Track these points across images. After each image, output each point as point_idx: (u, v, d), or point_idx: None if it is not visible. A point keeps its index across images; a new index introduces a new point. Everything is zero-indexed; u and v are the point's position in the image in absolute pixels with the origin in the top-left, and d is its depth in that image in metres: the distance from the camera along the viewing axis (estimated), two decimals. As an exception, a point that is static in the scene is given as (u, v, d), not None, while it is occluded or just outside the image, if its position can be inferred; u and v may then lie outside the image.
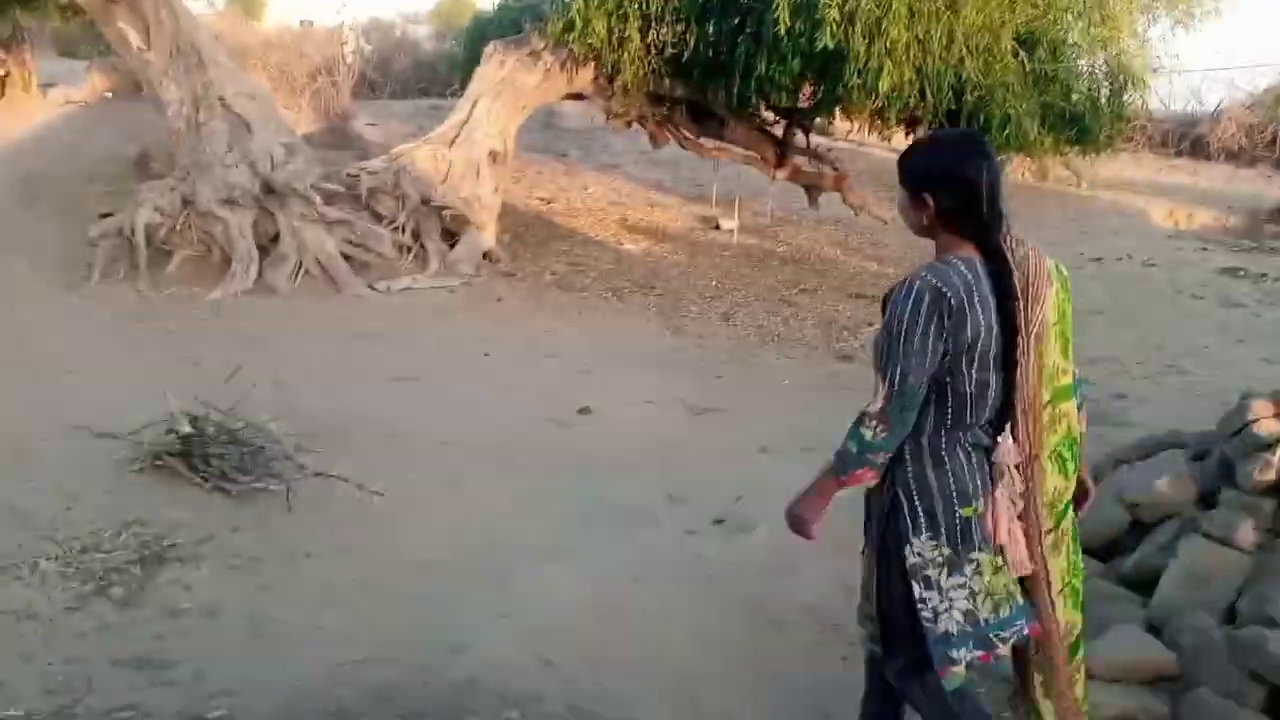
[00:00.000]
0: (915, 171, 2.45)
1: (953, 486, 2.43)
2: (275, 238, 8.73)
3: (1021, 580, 2.52)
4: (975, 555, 2.44)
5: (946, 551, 2.44)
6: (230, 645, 3.59)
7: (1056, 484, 2.53)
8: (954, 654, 2.45)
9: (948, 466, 2.44)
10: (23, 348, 6.71)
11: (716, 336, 7.89)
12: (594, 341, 7.64)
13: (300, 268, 8.58)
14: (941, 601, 2.44)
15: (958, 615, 2.45)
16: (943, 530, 2.43)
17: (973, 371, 2.38)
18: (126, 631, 3.68)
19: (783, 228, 11.91)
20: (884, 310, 2.44)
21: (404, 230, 9.28)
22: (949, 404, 2.42)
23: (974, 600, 2.45)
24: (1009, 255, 2.41)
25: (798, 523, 2.50)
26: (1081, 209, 14.50)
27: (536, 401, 6.23)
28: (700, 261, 10.28)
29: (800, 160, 10.81)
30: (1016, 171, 15.94)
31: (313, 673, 3.34)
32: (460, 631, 3.50)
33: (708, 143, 10.77)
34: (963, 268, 2.36)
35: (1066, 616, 2.60)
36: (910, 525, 2.45)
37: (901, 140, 10.84)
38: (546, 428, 5.77)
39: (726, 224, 11.84)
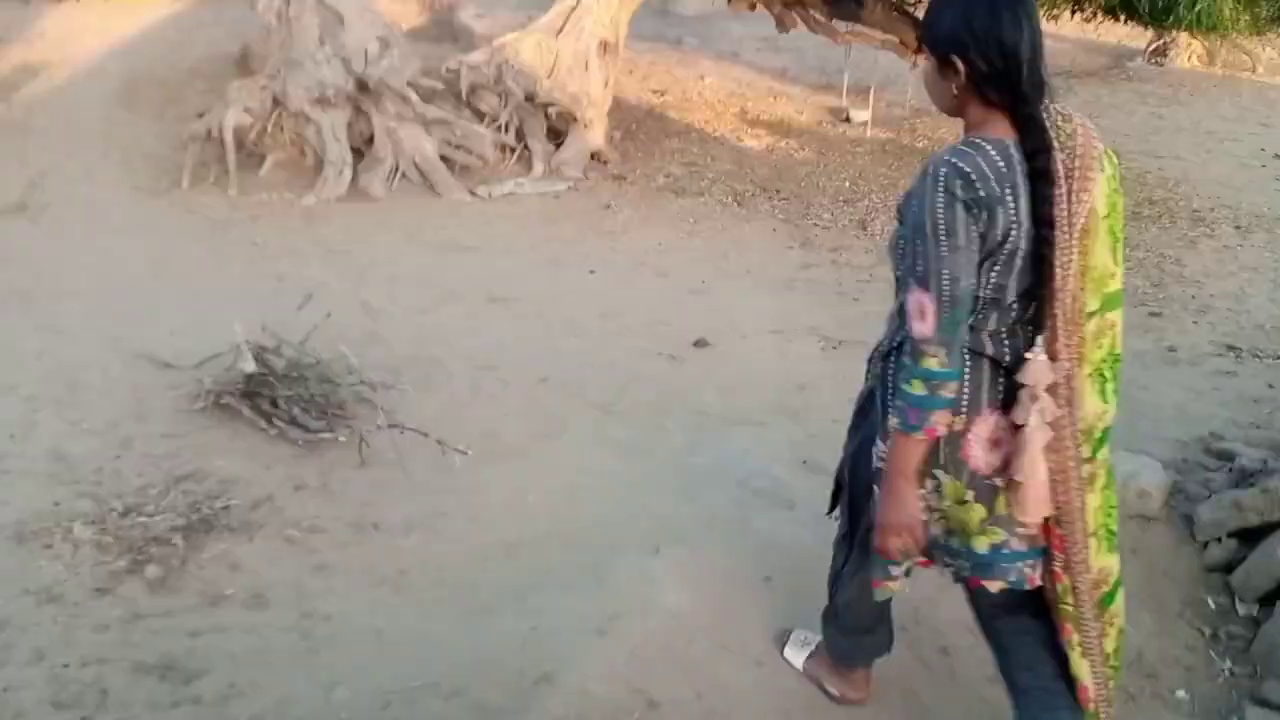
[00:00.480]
0: (943, 31, 2.03)
1: None
2: (370, 139, 8.02)
3: (1048, 523, 2.15)
4: (936, 473, 2.13)
5: (885, 463, 2.15)
6: (272, 651, 2.96)
7: (1095, 407, 2.13)
8: (893, 569, 2.29)
9: None
10: (102, 262, 6.20)
11: (852, 249, 6.88)
12: (711, 256, 6.75)
13: (397, 171, 7.87)
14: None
15: None
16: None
17: (992, 274, 2.01)
18: (157, 624, 3.09)
19: (921, 120, 10.67)
20: (900, 217, 2.14)
21: (506, 129, 8.46)
22: None
23: (928, 515, 2.17)
24: (1050, 133, 2.00)
25: (895, 529, 2.13)
26: (1259, 97, 12.77)
27: (646, 330, 5.43)
28: (830, 159, 9.20)
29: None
30: (1182, 55, 14.22)
31: (360, 702, 2.67)
32: (548, 653, 2.76)
33: (841, 26, 9.59)
34: (993, 152, 1.96)
35: (1100, 562, 2.19)
36: (881, 426, 2.20)
37: (1068, 23, 9.50)
38: (656, 365, 4.97)
39: (858, 116, 10.68)
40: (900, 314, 2.12)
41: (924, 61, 2.12)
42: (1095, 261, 2.03)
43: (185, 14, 13.23)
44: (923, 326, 1.96)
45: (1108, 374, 2.13)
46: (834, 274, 6.42)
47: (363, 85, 7.79)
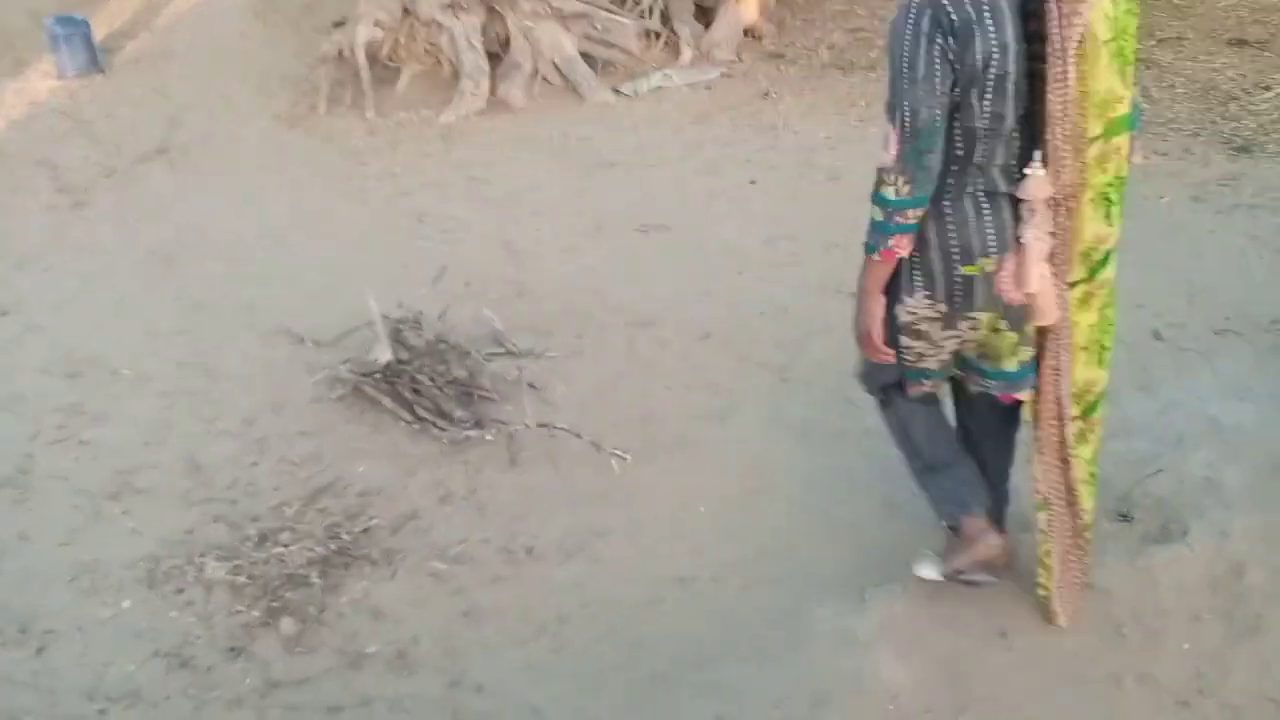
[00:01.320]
0: None
1: (954, 242, 2.15)
2: (506, 42, 7.30)
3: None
4: (974, 315, 2.22)
5: (943, 308, 2.21)
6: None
7: (1098, 230, 2.14)
8: (926, 382, 2.40)
9: (949, 219, 2.13)
10: (240, 212, 5.81)
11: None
12: (889, 147, 5.82)
13: (536, 75, 7.15)
14: (930, 349, 2.29)
15: (945, 356, 2.33)
16: (940, 289, 2.19)
17: (984, 103, 2.00)
18: (293, 696, 2.69)
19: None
20: None
21: (650, 13, 7.57)
22: (956, 143, 2.06)
23: (963, 345, 2.30)
24: None
25: (862, 339, 2.32)
26: None
27: (820, 257, 4.65)
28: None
29: None
30: None
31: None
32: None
33: None
34: None
35: (1087, 374, 2.30)
36: (907, 281, 2.22)
37: None
38: (836, 306, 4.19)
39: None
40: None
41: None
42: (1098, 86, 1.97)
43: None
44: (886, 155, 2.03)
45: (1113, 197, 2.11)
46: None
47: (493, -17, 7.04)
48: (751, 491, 3.20)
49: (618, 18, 7.23)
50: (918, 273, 2.19)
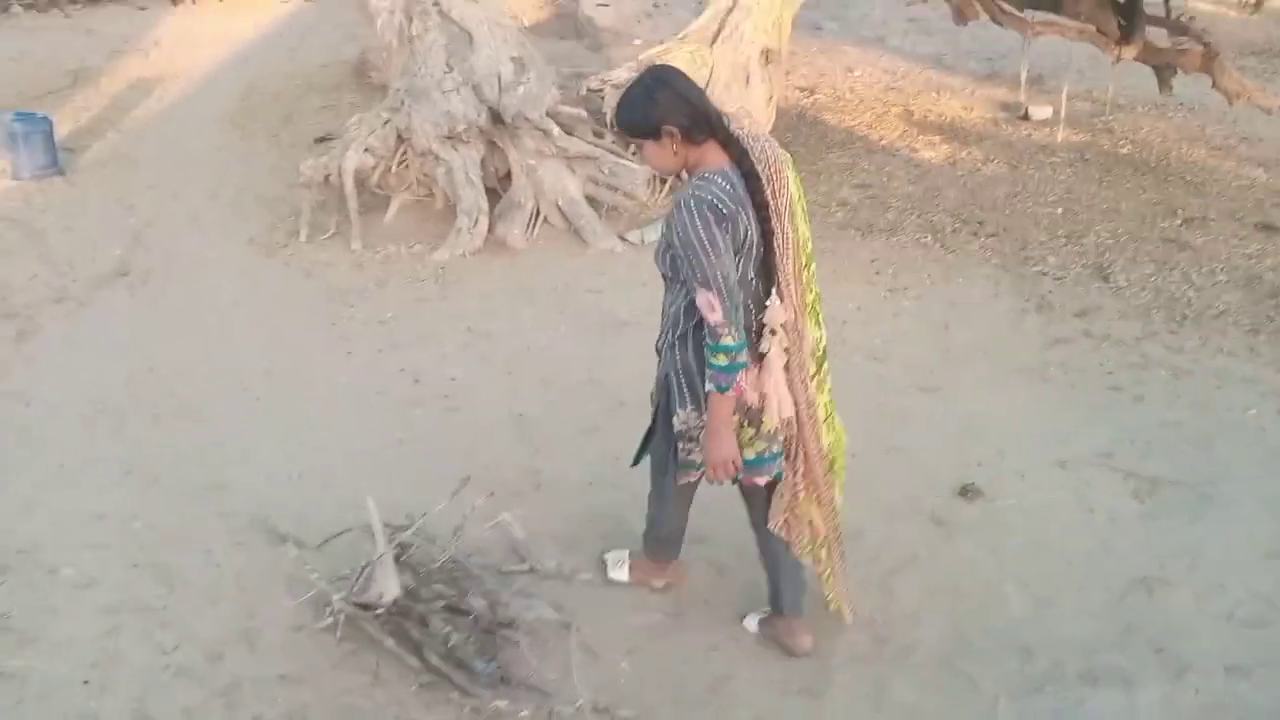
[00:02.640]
0: (651, 115, 2.57)
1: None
2: (505, 176, 6.70)
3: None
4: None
5: (707, 418, 2.73)
6: None
7: (814, 334, 2.83)
8: (693, 473, 2.93)
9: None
10: (208, 356, 5.02)
11: (1102, 313, 5.27)
12: (927, 327, 5.26)
13: (537, 217, 6.54)
14: (699, 449, 2.81)
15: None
16: (703, 402, 2.73)
17: (745, 264, 2.62)
18: None
19: (1116, 118, 8.90)
20: (667, 230, 2.62)
21: (658, 156, 7.06)
22: None
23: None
24: (750, 148, 2.60)
25: (723, 463, 2.72)
26: None
27: (884, 461, 3.99)
28: (1027, 175, 7.56)
29: (1154, 34, 7.81)
30: None
31: None
32: None
33: (1034, 16, 7.90)
34: (720, 179, 2.55)
35: (829, 438, 2.93)
36: (678, 399, 2.80)
37: None
38: (916, 533, 3.55)
39: (1038, 113, 8.97)
40: (683, 312, 2.71)
41: (645, 150, 2.69)
42: (802, 232, 2.71)
43: (302, 13, 12.11)
44: (715, 316, 2.54)
45: (818, 309, 2.85)
46: (1093, 354, 4.86)
47: (496, 117, 6.45)
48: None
49: (625, 162, 6.68)
50: (688, 393, 2.77)
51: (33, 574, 3.39)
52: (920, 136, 8.55)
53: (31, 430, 4.30)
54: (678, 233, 2.52)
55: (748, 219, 2.54)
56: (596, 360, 4.93)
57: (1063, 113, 8.62)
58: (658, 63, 2.71)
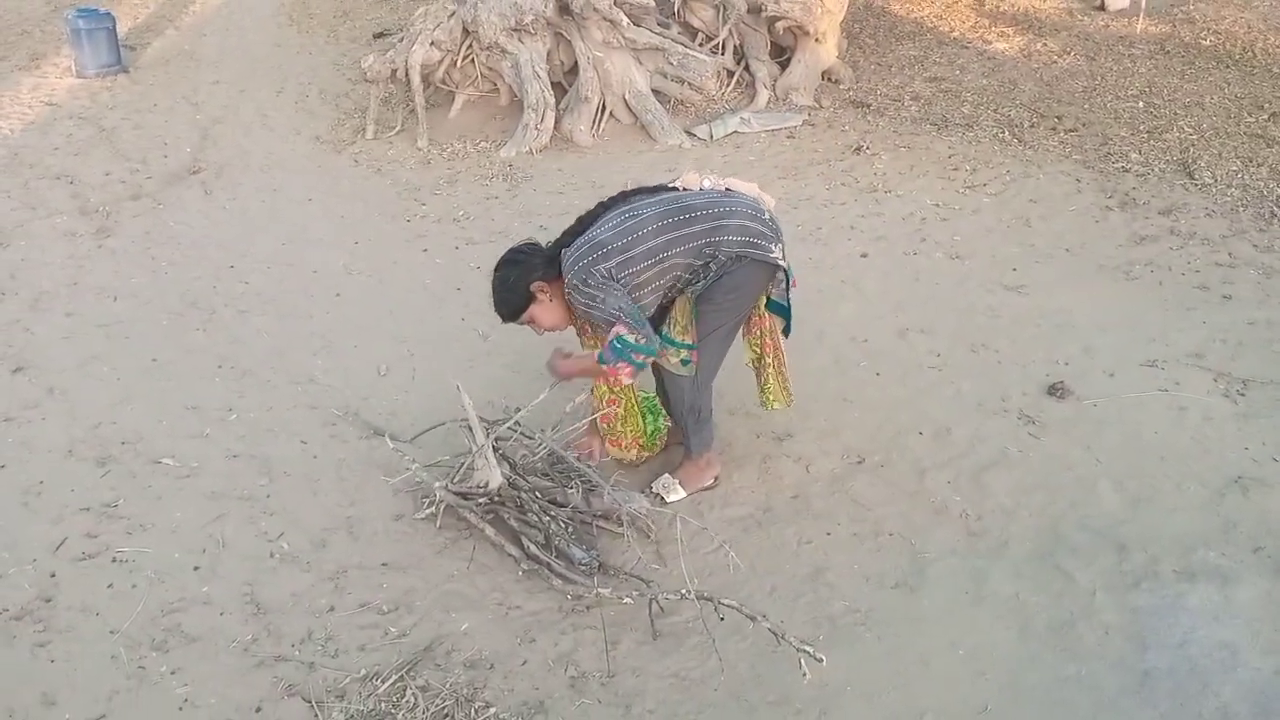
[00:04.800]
0: (522, 288, 2.99)
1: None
2: (572, 69, 6.55)
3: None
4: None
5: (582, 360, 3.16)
6: None
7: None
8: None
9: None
10: (286, 252, 5.04)
11: (1187, 210, 5.09)
12: (1009, 224, 5.12)
13: (604, 111, 6.41)
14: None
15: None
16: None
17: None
18: None
19: (1196, 6, 8.47)
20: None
21: (723, 49, 6.85)
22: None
23: None
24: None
25: (555, 369, 3.17)
26: None
27: (967, 361, 3.92)
28: (1105, 67, 7.25)
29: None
30: None
31: None
32: None
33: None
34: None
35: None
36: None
37: None
38: (1005, 431, 3.49)
39: (1115, 3, 8.57)
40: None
41: (536, 314, 3.06)
42: None
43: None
44: (620, 329, 2.85)
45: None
46: (1179, 252, 4.71)
47: (564, 8, 6.28)
48: (972, 709, 2.48)
49: (696, 53, 6.50)
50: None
51: (135, 463, 3.45)
52: (992, 28, 8.22)
53: (121, 325, 4.35)
54: (582, 303, 2.91)
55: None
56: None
57: (1142, 2, 8.23)
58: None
